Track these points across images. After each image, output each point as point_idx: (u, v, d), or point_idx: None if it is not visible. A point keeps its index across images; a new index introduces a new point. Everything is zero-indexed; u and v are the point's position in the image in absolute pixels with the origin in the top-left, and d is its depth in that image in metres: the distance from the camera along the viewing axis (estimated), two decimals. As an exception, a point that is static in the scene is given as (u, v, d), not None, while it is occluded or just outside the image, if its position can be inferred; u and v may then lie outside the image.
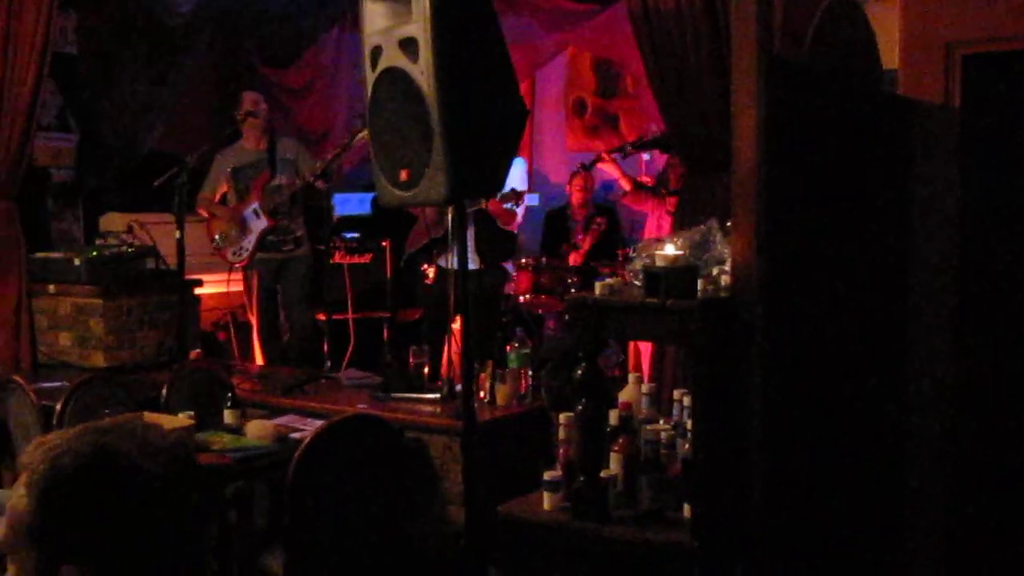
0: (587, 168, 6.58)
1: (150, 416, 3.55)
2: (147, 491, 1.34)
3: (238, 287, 6.45)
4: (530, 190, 8.45)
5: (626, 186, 6.22)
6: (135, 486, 1.34)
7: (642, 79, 7.11)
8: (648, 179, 6.69)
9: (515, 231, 6.47)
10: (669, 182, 6.06)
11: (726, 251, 2.83)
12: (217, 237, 6.10)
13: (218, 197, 6.22)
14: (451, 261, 6.02)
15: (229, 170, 6.18)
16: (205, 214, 6.18)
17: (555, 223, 7.14)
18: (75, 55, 6.79)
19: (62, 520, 1.32)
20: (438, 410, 4.30)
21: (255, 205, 6.03)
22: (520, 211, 6.32)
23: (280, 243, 6.19)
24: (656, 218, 6.15)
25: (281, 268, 6.25)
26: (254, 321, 6.28)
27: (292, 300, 6.30)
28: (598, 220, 6.67)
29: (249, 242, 6.06)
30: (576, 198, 6.90)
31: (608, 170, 6.45)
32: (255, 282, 6.22)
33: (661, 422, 3.00)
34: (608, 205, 7.09)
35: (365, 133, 4.31)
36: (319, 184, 5.79)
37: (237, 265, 6.11)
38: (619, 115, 7.88)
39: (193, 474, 1.42)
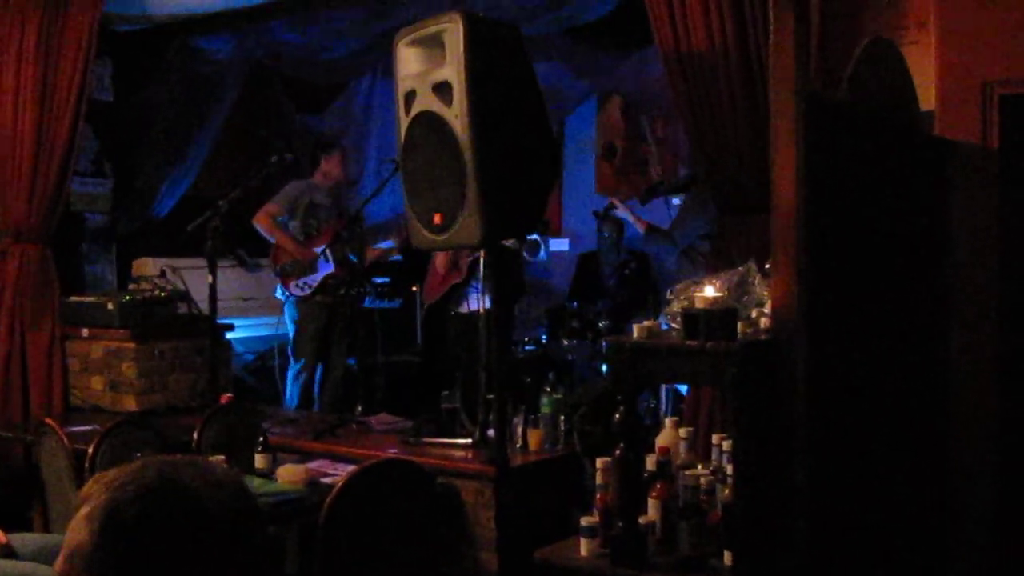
0: (601, 216, 6.58)
1: (182, 460, 3.52)
2: (212, 525, 1.30)
3: (266, 331, 6.48)
4: (559, 235, 8.46)
5: (640, 228, 6.21)
6: (200, 518, 1.30)
7: (672, 122, 7.16)
8: None
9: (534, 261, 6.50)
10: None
11: (765, 293, 2.81)
12: (285, 264, 6.23)
13: (276, 217, 6.33)
14: (478, 303, 6.04)
15: (308, 200, 6.30)
16: (264, 225, 6.27)
17: (587, 267, 7.11)
18: (111, 102, 6.88)
19: (124, 552, 1.28)
20: (470, 455, 4.25)
21: (325, 247, 6.12)
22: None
23: (336, 288, 6.30)
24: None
25: (334, 313, 6.32)
26: (302, 362, 6.30)
27: (337, 345, 6.36)
28: (631, 265, 6.64)
29: (314, 280, 6.25)
30: (608, 240, 6.88)
31: (623, 215, 6.46)
32: (308, 323, 6.28)
33: (700, 467, 2.96)
34: (641, 250, 7.07)
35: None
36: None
37: (296, 295, 6.22)
38: (649, 159, 7.87)
39: (256, 511, 1.39)
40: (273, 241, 6.34)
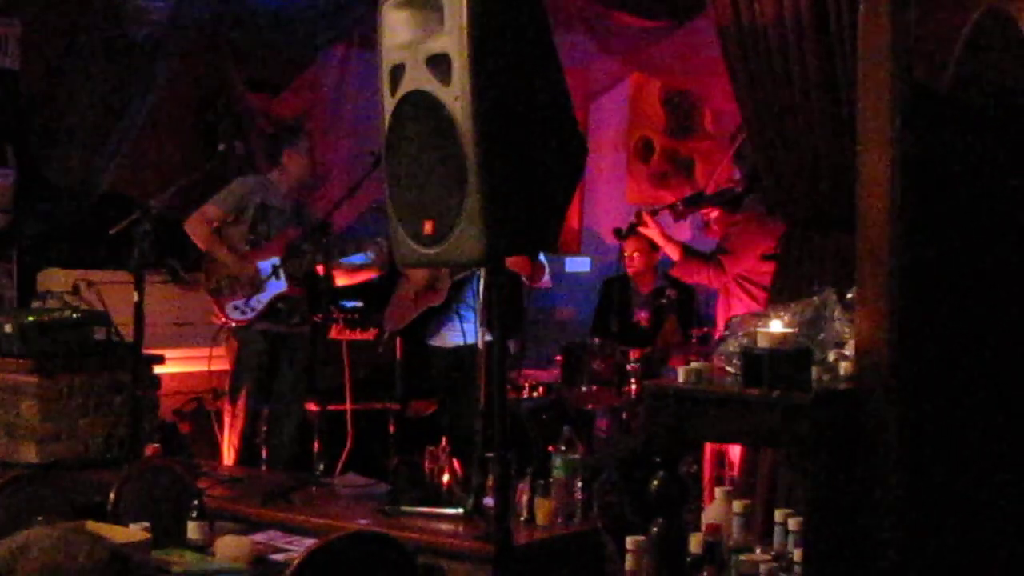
0: (622, 237, 6.54)
1: (94, 527, 3.51)
2: None
3: (204, 365, 6.42)
4: (579, 252, 8.45)
5: (673, 254, 6.19)
6: None
7: (725, 115, 7.16)
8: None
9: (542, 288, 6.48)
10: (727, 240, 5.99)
11: (847, 329, 2.80)
12: (221, 282, 6.14)
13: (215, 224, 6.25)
14: (462, 335, 6.05)
15: (258, 201, 6.25)
16: (199, 232, 6.19)
17: (612, 295, 7.10)
18: (16, 71, 6.89)
19: None
20: (462, 529, 4.26)
21: (275, 261, 6.06)
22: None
23: (289, 314, 6.22)
24: (724, 294, 6.11)
25: (282, 345, 6.27)
26: (235, 407, 6.23)
27: (287, 386, 6.29)
28: (668, 293, 6.63)
29: (259, 302, 6.12)
30: (635, 264, 6.85)
31: (650, 235, 6.41)
32: (246, 357, 6.20)
33: (758, 551, 2.93)
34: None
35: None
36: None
37: (233, 324, 6.13)
38: (694, 159, 7.88)
39: None
40: (205, 251, 6.28)
